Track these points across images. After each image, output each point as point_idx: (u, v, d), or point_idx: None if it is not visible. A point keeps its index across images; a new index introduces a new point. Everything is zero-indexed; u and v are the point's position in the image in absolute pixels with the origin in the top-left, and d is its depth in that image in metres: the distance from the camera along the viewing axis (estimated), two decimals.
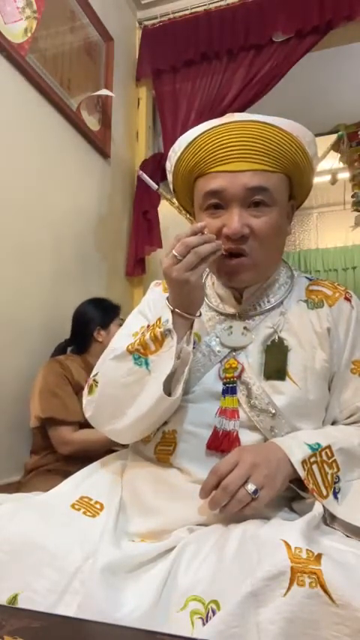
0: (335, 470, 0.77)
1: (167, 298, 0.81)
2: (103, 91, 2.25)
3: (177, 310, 0.79)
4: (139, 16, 2.68)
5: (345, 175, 3.93)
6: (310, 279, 0.97)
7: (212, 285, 0.96)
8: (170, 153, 0.91)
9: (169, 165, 0.92)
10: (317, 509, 0.70)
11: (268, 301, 0.91)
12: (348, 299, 0.92)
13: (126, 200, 2.51)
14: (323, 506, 0.71)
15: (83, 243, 2.14)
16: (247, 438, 0.80)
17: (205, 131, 0.85)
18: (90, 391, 0.87)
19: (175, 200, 0.85)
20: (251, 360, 0.85)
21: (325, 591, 0.52)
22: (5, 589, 0.63)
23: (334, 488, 0.75)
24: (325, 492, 0.73)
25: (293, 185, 0.89)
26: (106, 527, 0.72)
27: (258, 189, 0.81)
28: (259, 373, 0.84)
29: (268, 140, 0.82)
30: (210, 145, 0.83)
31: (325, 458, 0.77)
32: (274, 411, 0.80)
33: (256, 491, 0.69)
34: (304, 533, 0.61)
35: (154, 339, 0.79)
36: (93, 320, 1.75)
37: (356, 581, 0.53)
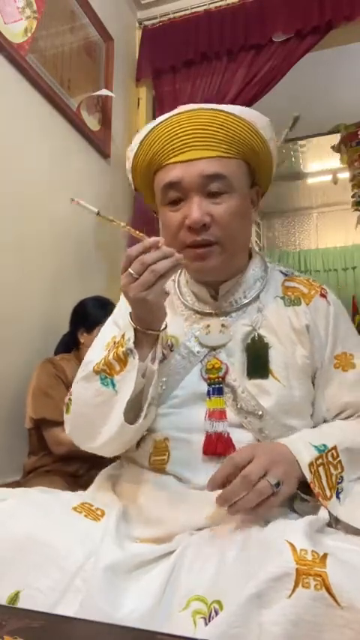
0: (339, 470, 0.76)
1: (130, 314, 0.79)
2: (103, 91, 2.25)
3: (139, 328, 0.78)
4: (139, 16, 2.67)
5: (345, 175, 3.93)
6: (286, 274, 0.95)
7: (186, 283, 0.95)
8: (128, 152, 0.91)
9: (128, 164, 0.91)
10: (322, 511, 0.69)
11: (245, 297, 0.90)
12: (324, 295, 0.92)
13: (126, 200, 2.51)
14: (327, 509, 0.71)
15: (83, 242, 2.14)
16: (239, 437, 0.79)
17: (158, 124, 0.85)
18: (67, 409, 0.87)
19: (121, 222, 0.83)
20: (233, 360, 0.84)
21: (330, 594, 0.52)
22: (7, 586, 0.63)
23: (337, 489, 0.75)
24: (329, 494, 0.73)
25: (254, 171, 0.88)
26: (108, 530, 0.71)
27: (214, 177, 0.81)
28: (242, 373, 0.83)
29: (220, 126, 0.81)
30: (163, 136, 0.83)
31: (330, 459, 0.76)
32: (261, 412, 0.80)
33: (278, 484, 0.67)
34: (309, 534, 0.60)
35: (118, 359, 0.78)
36: (88, 317, 1.71)
37: None
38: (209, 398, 0.82)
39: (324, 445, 0.76)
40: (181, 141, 0.82)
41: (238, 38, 2.33)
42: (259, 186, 0.93)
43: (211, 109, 0.83)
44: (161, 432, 0.83)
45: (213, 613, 0.56)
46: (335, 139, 3.51)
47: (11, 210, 1.69)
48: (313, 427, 0.86)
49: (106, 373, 0.80)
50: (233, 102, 2.30)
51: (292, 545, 0.57)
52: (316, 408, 0.87)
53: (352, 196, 3.51)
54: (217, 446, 0.78)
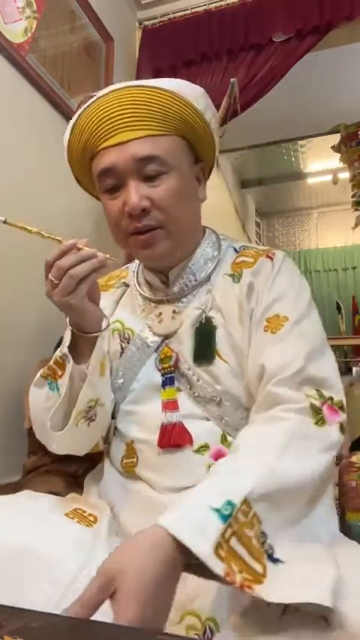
0: (257, 526, 0.56)
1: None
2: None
3: (75, 331, 0.77)
4: (139, 16, 2.67)
5: (345, 175, 3.93)
6: (237, 251, 0.90)
7: (141, 272, 0.93)
8: (64, 142, 0.87)
9: (65, 155, 0.88)
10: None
11: (195, 279, 0.86)
12: (270, 257, 0.86)
13: None
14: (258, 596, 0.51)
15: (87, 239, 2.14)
16: (200, 428, 0.77)
17: (85, 109, 0.81)
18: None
19: (32, 228, 0.78)
20: (183, 347, 0.82)
21: (321, 615, 0.51)
22: (1, 598, 0.62)
23: (266, 550, 0.56)
24: (259, 569, 0.53)
25: (194, 146, 0.84)
26: (100, 537, 0.70)
27: (148, 159, 0.77)
28: (192, 359, 0.80)
29: (148, 103, 0.77)
30: (92, 121, 0.79)
31: (242, 518, 0.55)
32: (219, 399, 0.78)
33: None
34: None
35: (57, 364, 0.78)
36: None
37: (355, 600, 0.52)
38: (163, 389, 0.80)
39: (229, 503, 0.55)
40: (109, 123, 0.77)
41: (238, 38, 2.33)
42: (204, 162, 0.88)
43: (137, 85, 0.78)
44: (128, 433, 0.82)
45: (208, 631, 0.55)
46: (335, 139, 3.51)
47: (9, 209, 1.68)
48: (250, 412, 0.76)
49: (51, 378, 0.80)
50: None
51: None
52: (245, 378, 0.78)
53: (352, 196, 3.51)
54: (170, 437, 0.76)
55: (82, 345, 0.77)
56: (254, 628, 0.53)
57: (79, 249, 0.72)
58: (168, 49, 2.49)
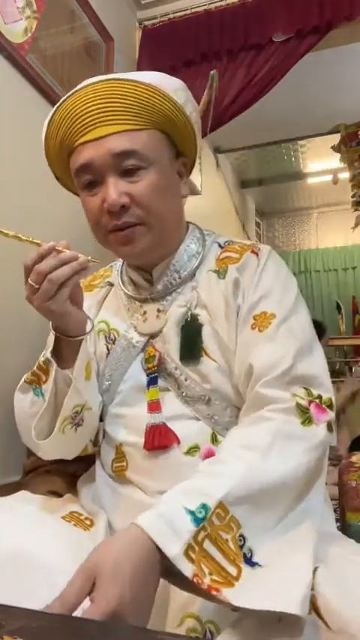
0: (235, 530, 0.56)
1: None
2: None
3: (59, 335, 0.75)
4: (139, 16, 2.67)
5: (345, 175, 3.94)
6: (222, 246, 0.89)
7: (125, 271, 0.92)
8: (42, 138, 0.86)
9: (45, 151, 0.87)
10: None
11: (179, 277, 0.84)
12: (255, 252, 0.84)
13: None
14: (229, 602, 0.51)
15: (83, 243, 2.13)
16: (190, 428, 0.76)
17: (61, 104, 0.79)
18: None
19: (9, 231, 0.76)
20: (169, 346, 0.80)
21: (320, 616, 0.51)
22: None
23: (244, 553, 0.55)
24: (233, 571, 0.53)
25: (174, 140, 0.82)
26: (98, 540, 0.70)
27: (126, 154, 0.75)
28: (179, 358, 0.79)
29: (125, 97, 0.75)
30: (69, 116, 0.78)
31: (217, 521, 0.55)
32: (208, 397, 0.76)
33: None
34: None
35: (41, 369, 0.77)
36: None
37: (352, 600, 0.52)
38: (148, 389, 0.79)
39: (204, 506, 0.55)
40: (85, 118, 0.76)
41: (238, 38, 2.33)
42: (186, 157, 0.86)
43: (113, 79, 0.76)
44: (117, 437, 0.81)
45: (208, 634, 0.55)
46: (335, 139, 3.52)
47: (10, 210, 1.69)
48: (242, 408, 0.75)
49: (36, 383, 0.78)
50: (233, 102, 2.30)
51: None
52: (233, 378, 0.77)
53: (352, 196, 3.52)
54: (154, 439, 0.75)
55: (66, 350, 0.76)
56: (254, 630, 0.52)
57: (58, 252, 0.70)
58: (168, 49, 2.49)
